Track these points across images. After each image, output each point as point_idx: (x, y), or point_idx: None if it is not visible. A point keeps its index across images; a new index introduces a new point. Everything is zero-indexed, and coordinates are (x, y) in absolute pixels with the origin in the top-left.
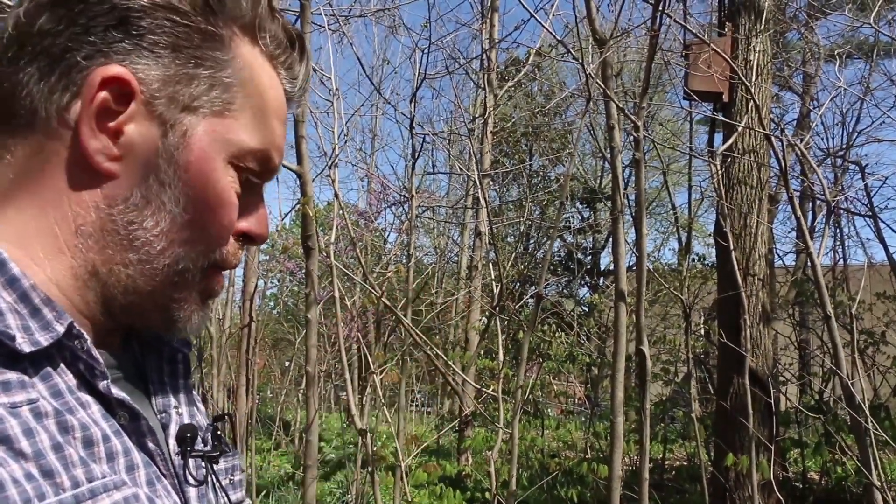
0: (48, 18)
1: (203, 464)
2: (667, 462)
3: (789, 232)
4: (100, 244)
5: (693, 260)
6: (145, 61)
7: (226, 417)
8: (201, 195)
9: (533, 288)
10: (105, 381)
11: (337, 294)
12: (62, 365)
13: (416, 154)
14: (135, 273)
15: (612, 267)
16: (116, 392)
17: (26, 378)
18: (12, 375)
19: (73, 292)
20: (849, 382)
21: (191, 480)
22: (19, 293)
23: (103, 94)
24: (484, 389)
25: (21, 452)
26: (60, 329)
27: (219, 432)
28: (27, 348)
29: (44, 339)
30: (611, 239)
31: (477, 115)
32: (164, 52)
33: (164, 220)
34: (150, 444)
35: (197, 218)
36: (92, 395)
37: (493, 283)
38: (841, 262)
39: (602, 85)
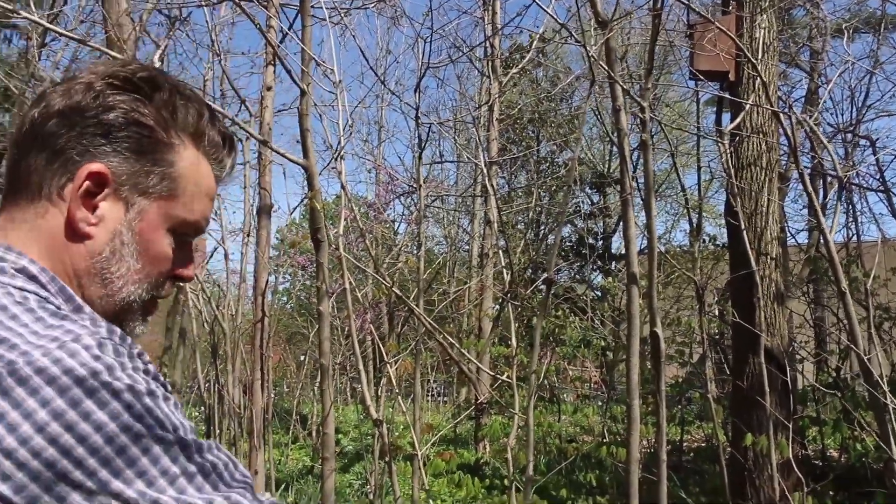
0: (55, 124)
1: None
2: (684, 444)
3: (801, 209)
4: (86, 282)
5: (704, 241)
6: (118, 160)
7: None
8: (147, 252)
9: (545, 274)
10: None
11: (347, 286)
12: None
13: (423, 144)
14: (104, 303)
15: (623, 251)
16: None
17: None
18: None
19: None
20: (866, 358)
21: None
22: (90, 316)
23: (87, 183)
24: (498, 376)
25: (166, 397)
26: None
27: None
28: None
29: None
30: (621, 222)
31: (482, 103)
32: (132, 154)
33: (124, 268)
34: None
35: (145, 267)
36: None
37: (505, 270)
38: (854, 238)
39: (606, 67)
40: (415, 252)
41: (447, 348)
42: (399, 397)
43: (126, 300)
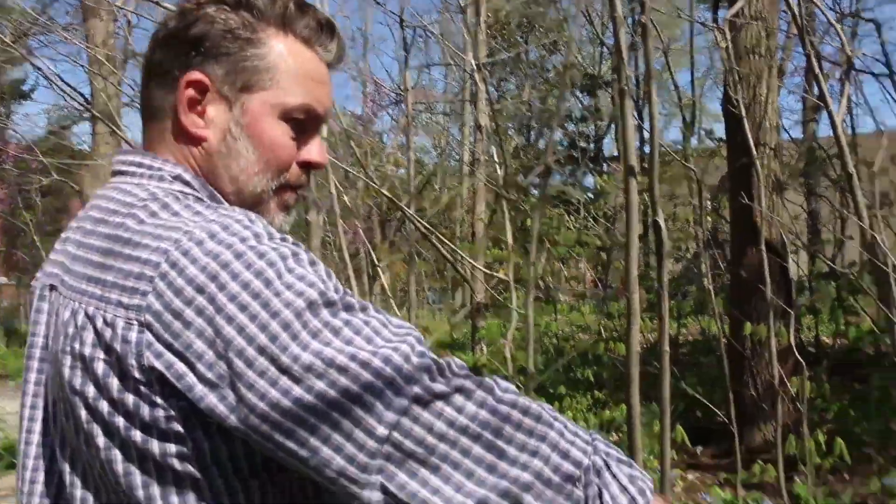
0: (159, 52)
1: None
2: (680, 338)
3: (796, 102)
4: (215, 181)
5: (700, 134)
6: (212, 65)
7: None
8: (261, 143)
9: (540, 168)
10: None
11: (333, 190)
12: None
13: (409, 47)
14: (234, 198)
15: (616, 153)
16: None
17: None
18: None
19: None
20: (870, 232)
21: None
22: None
23: (189, 91)
24: (495, 274)
25: (313, 262)
26: None
27: None
28: None
29: None
30: (613, 125)
31: (468, 2)
32: (222, 57)
33: (243, 162)
34: None
35: (262, 157)
36: None
37: (498, 166)
38: (850, 130)
39: None
40: (404, 157)
41: (440, 248)
42: (393, 304)
43: (254, 192)
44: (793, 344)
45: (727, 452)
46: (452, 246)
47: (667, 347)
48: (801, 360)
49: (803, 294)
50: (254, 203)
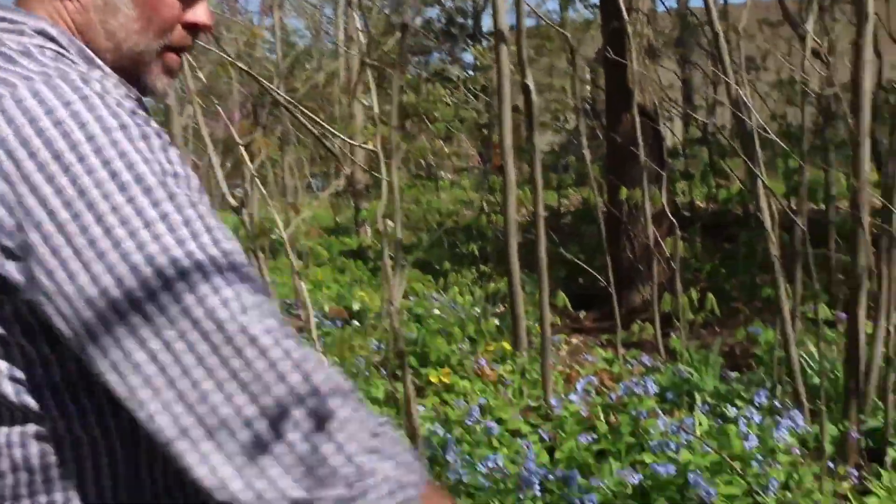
0: None
1: None
2: (562, 208)
3: None
4: (90, 37)
5: (576, 2)
6: None
7: None
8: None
9: (416, 58)
10: None
11: (186, 64)
12: None
13: None
14: (111, 56)
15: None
16: None
17: None
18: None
19: None
20: (735, 88)
21: None
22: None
23: None
24: (363, 146)
25: (145, 136)
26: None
27: None
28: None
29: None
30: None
31: None
32: None
33: (122, 17)
34: None
35: (144, 15)
36: None
37: (361, 33)
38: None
39: None
40: (273, 43)
41: (307, 125)
42: (259, 185)
43: (134, 51)
44: (666, 206)
45: (608, 315)
46: (321, 122)
47: (541, 211)
48: (675, 222)
49: (678, 159)
50: (134, 63)
